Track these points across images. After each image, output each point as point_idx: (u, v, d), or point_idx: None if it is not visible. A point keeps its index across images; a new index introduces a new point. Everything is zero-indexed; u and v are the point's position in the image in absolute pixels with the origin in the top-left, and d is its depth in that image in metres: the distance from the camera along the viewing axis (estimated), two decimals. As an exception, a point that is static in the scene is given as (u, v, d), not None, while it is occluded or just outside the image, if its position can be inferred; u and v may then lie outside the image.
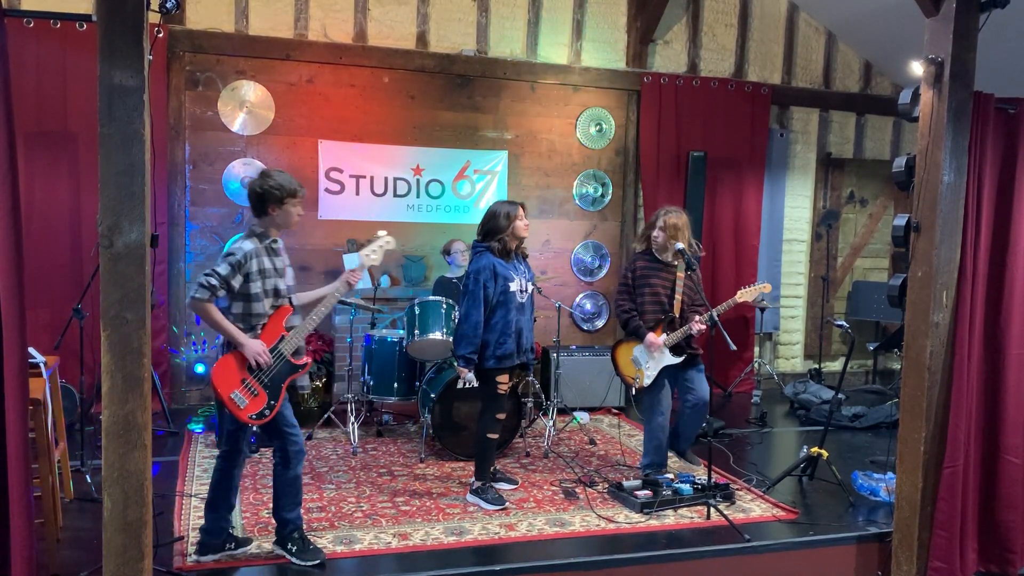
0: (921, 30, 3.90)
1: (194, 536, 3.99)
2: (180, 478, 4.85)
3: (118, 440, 3.00)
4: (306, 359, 3.82)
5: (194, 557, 3.77)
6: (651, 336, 4.78)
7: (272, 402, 3.65)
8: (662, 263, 4.88)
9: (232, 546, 3.83)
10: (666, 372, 4.89)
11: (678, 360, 4.87)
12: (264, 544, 3.92)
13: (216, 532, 3.78)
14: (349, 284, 3.82)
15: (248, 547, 3.87)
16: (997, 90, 3.99)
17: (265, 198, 3.67)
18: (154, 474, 4.07)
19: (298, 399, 6.00)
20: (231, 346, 3.62)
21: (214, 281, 3.52)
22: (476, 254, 4.61)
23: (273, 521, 3.92)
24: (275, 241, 3.76)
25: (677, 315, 4.86)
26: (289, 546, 3.75)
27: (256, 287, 3.63)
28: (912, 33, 4.40)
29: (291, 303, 3.81)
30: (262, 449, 5.42)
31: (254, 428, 3.70)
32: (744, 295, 5.00)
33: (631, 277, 4.92)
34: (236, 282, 3.57)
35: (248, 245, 3.63)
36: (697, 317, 4.80)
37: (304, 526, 3.87)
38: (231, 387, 3.58)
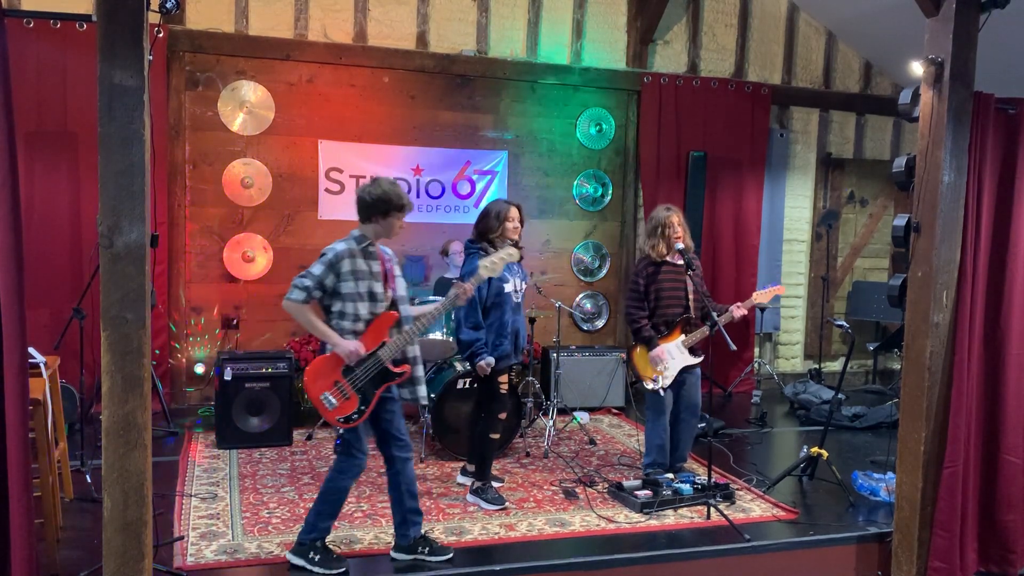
0: (921, 30, 3.90)
1: (194, 536, 3.99)
2: (180, 478, 4.86)
3: (118, 440, 3.00)
4: (406, 367, 3.77)
5: (393, 554, 3.85)
6: (656, 352, 4.75)
7: (363, 407, 3.64)
8: (670, 264, 4.84)
9: (425, 551, 3.81)
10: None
11: (696, 360, 4.84)
12: (264, 544, 3.93)
13: (403, 533, 3.83)
14: (458, 299, 3.81)
15: (446, 556, 3.82)
16: (997, 90, 3.99)
17: (372, 206, 3.68)
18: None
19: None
20: (328, 348, 3.64)
21: (309, 282, 3.55)
22: (468, 255, 4.61)
23: (272, 520, 3.92)
24: (371, 245, 3.74)
25: (694, 315, 4.83)
26: (311, 555, 3.66)
27: (348, 287, 3.62)
28: (912, 33, 4.40)
29: (399, 311, 3.78)
30: (262, 449, 5.44)
31: (339, 431, 3.68)
32: (759, 296, 4.98)
33: (643, 284, 4.80)
34: (330, 281, 3.59)
35: (341, 246, 3.66)
36: (737, 306, 4.80)
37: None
38: (322, 388, 3.60)
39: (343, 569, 3.67)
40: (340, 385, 3.62)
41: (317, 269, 3.58)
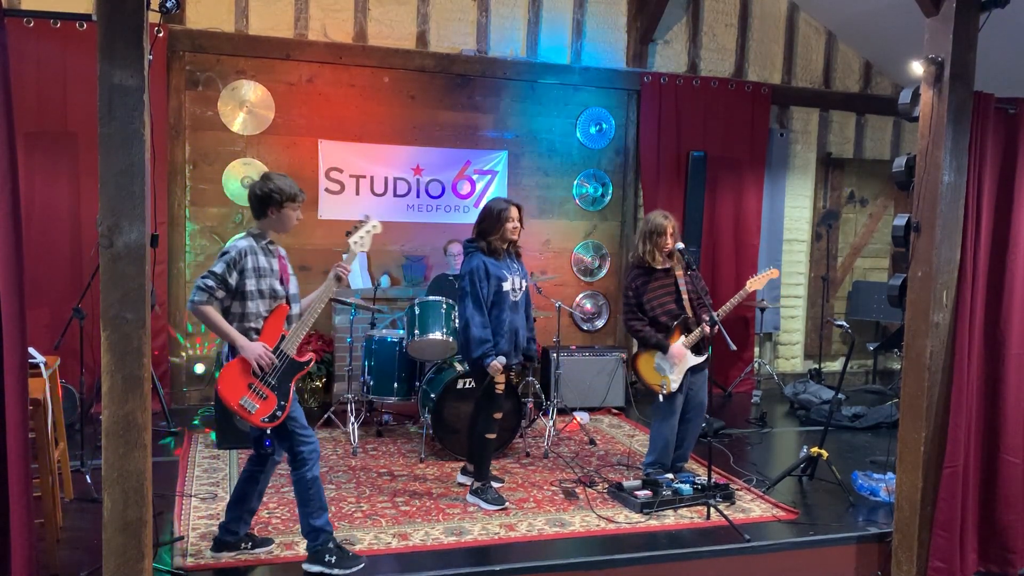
0: (921, 30, 3.90)
1: (195, 536, 4.00)
2: (180, 478, 4.86)
3: (118, 440, 3.00)
4: (310, 355, 3.80)
5: (211, 554, 3.79)
6: (675, 347, 4.75)
7: (283, 403, 3.62)
8: (660, 270, 4.83)
9: (249, 545, 3.83)
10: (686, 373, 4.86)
11: (701, 359, 4.84)
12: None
13: (233, 531, 3.80)
14: (339, 278, 3.78)
15: (268, 547, 3.86)
16: (997, 90, 3.99)
17: (264, 201, 3.67)
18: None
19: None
20: (235, 351, 3.59)
21: (211, 282, 3.51)
22: (467, 254, 4.61)
23: (272, 520, 3.91)
24: (271, 243, 3.74)
25: (691, 315, 4.83)
26: (327, 558, 3.63)
27: (251, 285, 3.59)
28: (912, 33, 4.40)
29: (289, 305, 3.76)
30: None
31: (267, 431, 3.66)
32: (754, 283, 4.99)
33: (633, 295, 4.80)
34: (233, 280, 3.55)
35: (243, 243, 3.63)
36: (705, 318, 4.77)
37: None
38: (239, 394, 3.54)
39: (361, 565, 3.66)
40: (255, 387, 3.57)
41: (219, 268, 3.54)
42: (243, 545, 3.82)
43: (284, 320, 3.70)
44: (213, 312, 3.53)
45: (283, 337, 3.67)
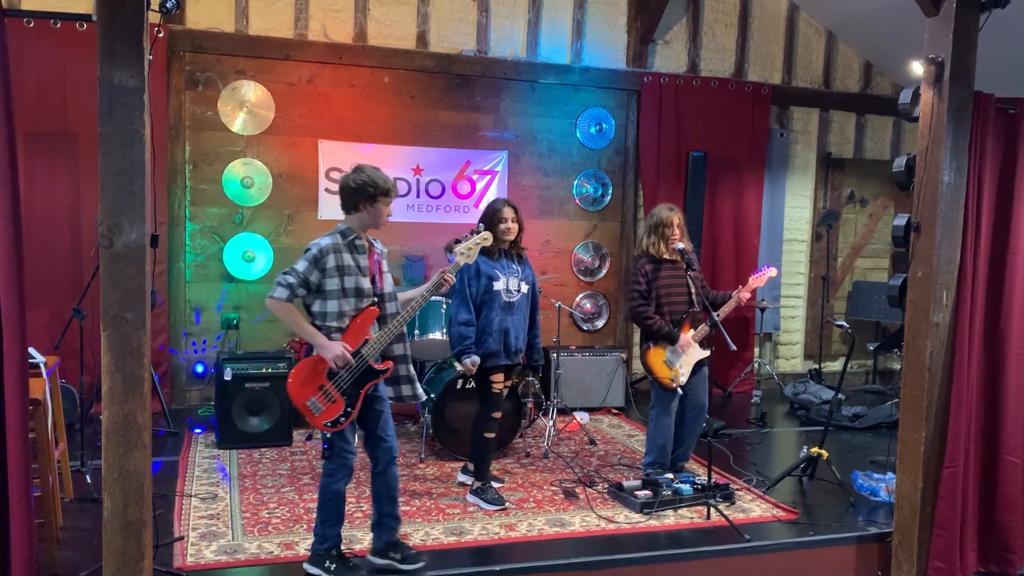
0: (921, 30, 3.90)
1: (195, 535, 4.00)
2: (180, 478, 4.86)
3: (118, 440, 3.00)
4: (388, 364, 3.66)
5: (369, 556, 3.75)
6: (684, 338, 4.76)
7: (349, 409, 3.53)
8: (668, 262, 4.84)
9: (398, 557, 3.70)
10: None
11: (706, 353, 4.86)
12: (264, 544, 3.93)
13: (379, 537, 3.74)
14: (441, 285, 3.70)
15: (416, 564, 3.67)
16: (997, 90, 3.99)
17: (357, 193, 3.55)
18: (155, 471, 4.04)
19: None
20: (312, 349, 3.52)
21: (292, 279, 3.44)
22: None
23: (272, 520, 3.91)
24: (358, 238, 3.60)
25: (698, 308, 4.85)
26: (327, 564, 3.59)
27: (333, 284, 3.49)
28: (912, 33, 4.40)
29: (381, 307, 3.65)
30: (261, 449, 5.43)
31: (327, 435, 3.55)
32: (755, 281, 5.04)
33: (644, 280, 4.78)
34: (314, 278, 3.47)
35: (325, 240, 3.53)
36: (739, 290, 4.88)
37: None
38: (308, 394, 3.49)
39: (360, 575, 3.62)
40: (325, 389, 3.51)
41: (301, 265, 3.47)
42: (391, 554, 3.69)
43: (372, 323, 3.59)
44: (292, 309, 3.48)
45: (366, 341, 3.56)
